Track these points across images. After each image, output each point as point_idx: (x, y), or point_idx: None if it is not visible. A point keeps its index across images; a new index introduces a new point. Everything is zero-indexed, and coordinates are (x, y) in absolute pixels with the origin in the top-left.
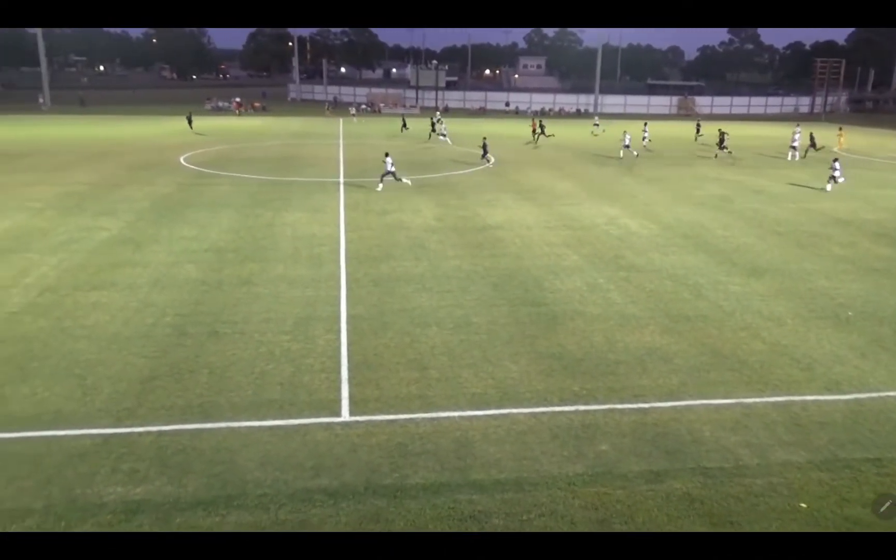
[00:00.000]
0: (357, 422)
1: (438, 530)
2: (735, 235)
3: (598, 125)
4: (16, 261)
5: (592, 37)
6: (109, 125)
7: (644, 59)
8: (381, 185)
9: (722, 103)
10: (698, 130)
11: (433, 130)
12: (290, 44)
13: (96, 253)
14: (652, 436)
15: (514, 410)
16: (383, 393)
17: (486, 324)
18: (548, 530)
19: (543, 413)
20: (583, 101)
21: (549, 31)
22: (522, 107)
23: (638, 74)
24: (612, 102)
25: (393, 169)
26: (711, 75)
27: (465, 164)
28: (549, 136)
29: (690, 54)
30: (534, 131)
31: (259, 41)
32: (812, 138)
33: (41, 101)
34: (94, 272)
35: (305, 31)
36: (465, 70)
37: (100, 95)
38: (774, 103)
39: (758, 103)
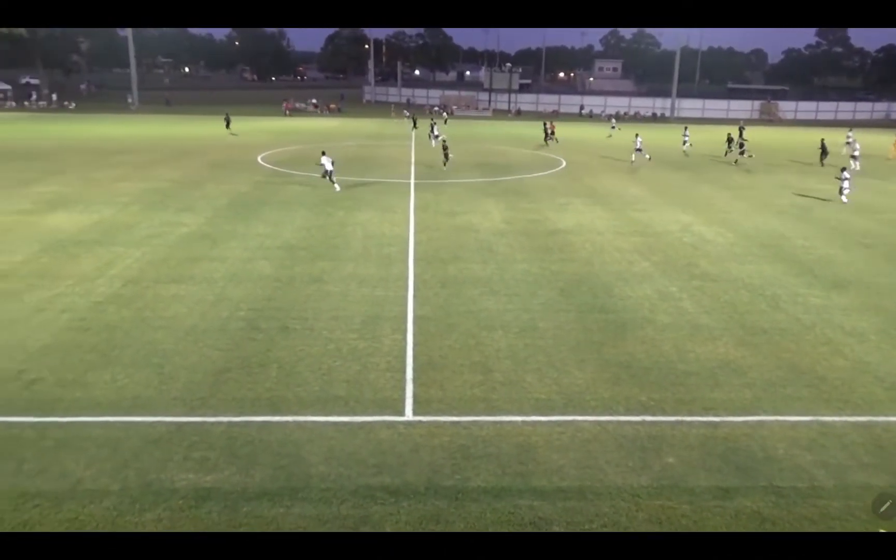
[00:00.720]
0: (420, 422)
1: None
2: (817, 246)
3: (614, 128)
4: (102, 253)
5: (671, 39)
6: (193, 125)
7: (725, 61)
8: (335, 185)
9: (807, 108)
10: (741, 134)
11: (431, 131)
12: (367, 46)
13: (176, 247)
14: (722, 451)
15: (579, 418)
16: (447, 394)
17: (553, 329)
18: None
19: (609, 422)
20: (659, 104)
21: (626, 34)
22: (597, 110)
23: (718, 78)
24: (690, 106)
25: (331, 168)
26: (797, 79)
27: (539, 167)
28: (555, 141)
29: (774, 57)
30: (549, 133)
31: (336, 44)
32: (823, 144)
33: (130, 101)
34: (174, 266)
35: (381, 34)
36: (539, 73)
37: (184, 96)
38: (864, 109)
39: (846, 109)
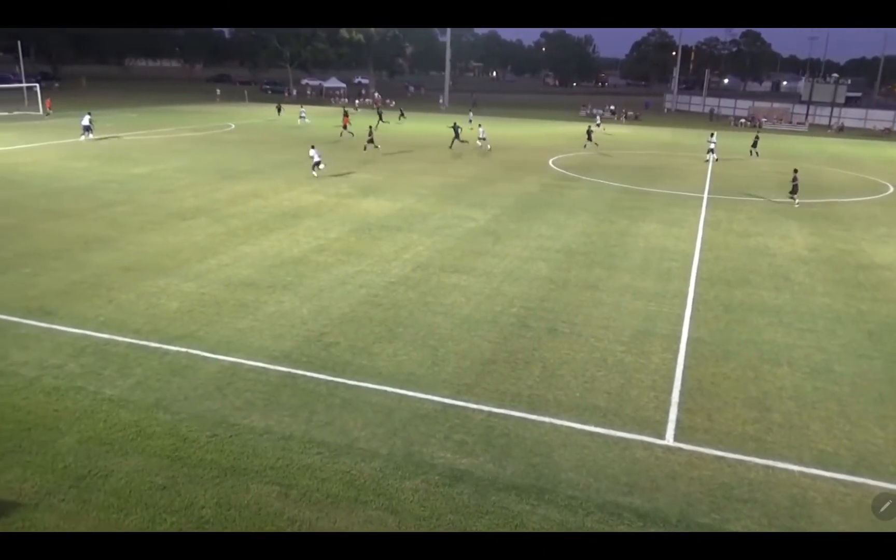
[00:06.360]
0: (681, 449)
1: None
2: None
3: (598, 125)
4: (401, 238)
5: None
6: (493, 126)
7: None
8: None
9: None
10: (755, 144)
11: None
12: (674, 53)
13: (462, 240)
14: None
15: (872, 482)
16: (714, 425)
17: (852, 375)
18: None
19: None
20: None
21: None
22: None
23: None
24: None
25: (318, 159)
26: None
27: (858, 192)
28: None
29: None
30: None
31: (642, 50)
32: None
33: (441, 101)
34: (458, 257)
35: (690, 40)
36: (873, 85)
37: (489, 98)
38: None
39: None
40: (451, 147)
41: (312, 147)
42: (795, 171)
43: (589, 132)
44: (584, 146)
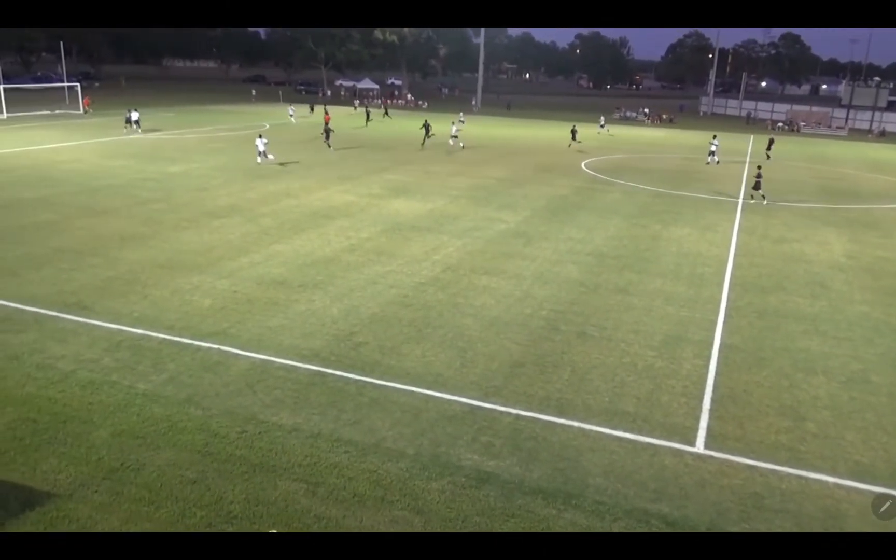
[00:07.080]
0: (711, 457)
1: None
2: None
3: (603, 127)
4: (431, 239)
5: None
6: (526, 128)
7: None
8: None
9: None
10: (769, 147)
11: (427, 135)
12: (710, 55)
13: (493, 242)
14: None
15: None
16: (746, 434)
17: (890, 386)
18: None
19: None
20: None
21: None
22: None
23: None
24: None
25: (263, 150)
26: None
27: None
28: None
29: None
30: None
31: (678, 52)
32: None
33: (473, 102)
34: (489, 259)
35: (727, 42)
36: None
37: (523, 100)
38: None
39: None
40: (422, 145)
41: (259, 136)
42: (759, 167)
43: (573, 133)
44: (570, 146)
